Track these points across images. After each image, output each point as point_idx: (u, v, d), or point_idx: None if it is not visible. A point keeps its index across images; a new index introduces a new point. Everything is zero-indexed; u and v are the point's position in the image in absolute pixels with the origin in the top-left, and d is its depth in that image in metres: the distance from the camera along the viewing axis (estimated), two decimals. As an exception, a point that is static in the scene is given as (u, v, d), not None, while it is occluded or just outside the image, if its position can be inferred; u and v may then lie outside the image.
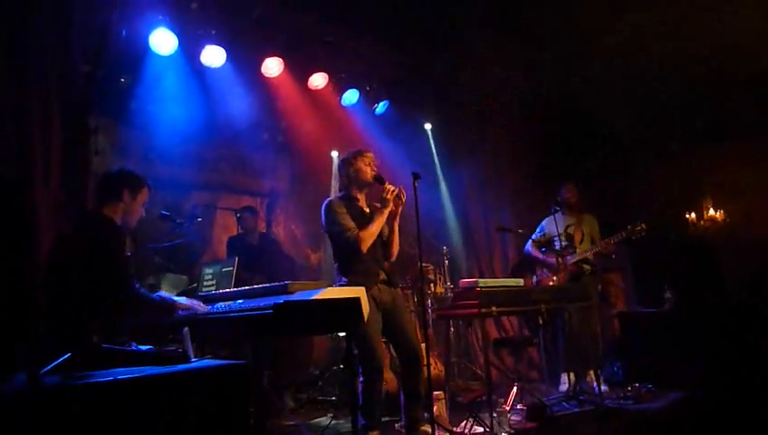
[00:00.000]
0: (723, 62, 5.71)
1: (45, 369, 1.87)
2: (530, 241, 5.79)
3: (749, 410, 4.41)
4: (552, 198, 5.67)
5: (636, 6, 5.39)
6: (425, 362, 3.63)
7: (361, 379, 3.63)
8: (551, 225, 5.56)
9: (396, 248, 3.88)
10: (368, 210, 3.83)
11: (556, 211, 5.48)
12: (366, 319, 3.50)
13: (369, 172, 3.79)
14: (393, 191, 3.69)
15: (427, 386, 3.56)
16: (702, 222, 7.11)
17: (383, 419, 4.36)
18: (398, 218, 3.82)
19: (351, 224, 3.67)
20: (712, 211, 7.06)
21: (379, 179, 3.76)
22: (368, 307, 3.05)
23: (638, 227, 5.21)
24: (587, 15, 5.46)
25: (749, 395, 4.77)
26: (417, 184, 3.63)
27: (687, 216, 7.15)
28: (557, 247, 5.50)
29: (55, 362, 1.91)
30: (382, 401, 3.76)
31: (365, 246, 3.64)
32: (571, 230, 5.60)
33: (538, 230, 5.76)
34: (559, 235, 5.52)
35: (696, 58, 5.81)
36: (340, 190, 3.95)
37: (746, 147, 6.44)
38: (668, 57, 5.91)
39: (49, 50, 3.92)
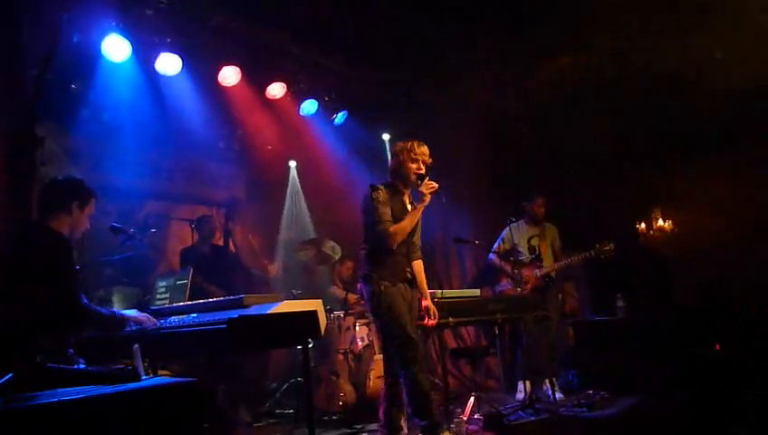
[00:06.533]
0: (678, 84, 5.91)
1: (-15, 391, 1.78)
2: (492, 251, 5.84)
3: (701, 413, 4.54)
4: (508, 210, 5.72)
5: (598, 26, 5.49)
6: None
7: (404, 374, 3.38)
8: (512, 235, 5.60)
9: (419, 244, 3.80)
10: (410, 207, 3.73)
11: (512, 222, 5.54)
12: (398, 311, 3.45)
13: (413, 171, 3.67)
14: (432, 188, 3.59)
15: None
16: (651, 232, 7.32)
17: (369, 425, 4.36)
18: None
19: (388, 216, 3.55)
20: (661, 222, 7.29)
21: (421, 178, 3.64)
22: (324, 320, 3.02)
23: (607, 247, 5.26)
24: (548, 33, 5.60)
25: (700, 398, 4.92)
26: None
27: (638, 226, 7.35)
28: (521, 258, 5.49)
29: (-4, 384, 1.82)
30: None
31: (395, 241, 3.54)
32: (534, 242, 5.63)
33: (498, 240, 5.77)
34: (520, 244, 5.57)
35: (654, 78, 6.00)
36: (389, 177, 3.80)
37: (692, 163, 6.70)
38: (626, 77, 6.10)
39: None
